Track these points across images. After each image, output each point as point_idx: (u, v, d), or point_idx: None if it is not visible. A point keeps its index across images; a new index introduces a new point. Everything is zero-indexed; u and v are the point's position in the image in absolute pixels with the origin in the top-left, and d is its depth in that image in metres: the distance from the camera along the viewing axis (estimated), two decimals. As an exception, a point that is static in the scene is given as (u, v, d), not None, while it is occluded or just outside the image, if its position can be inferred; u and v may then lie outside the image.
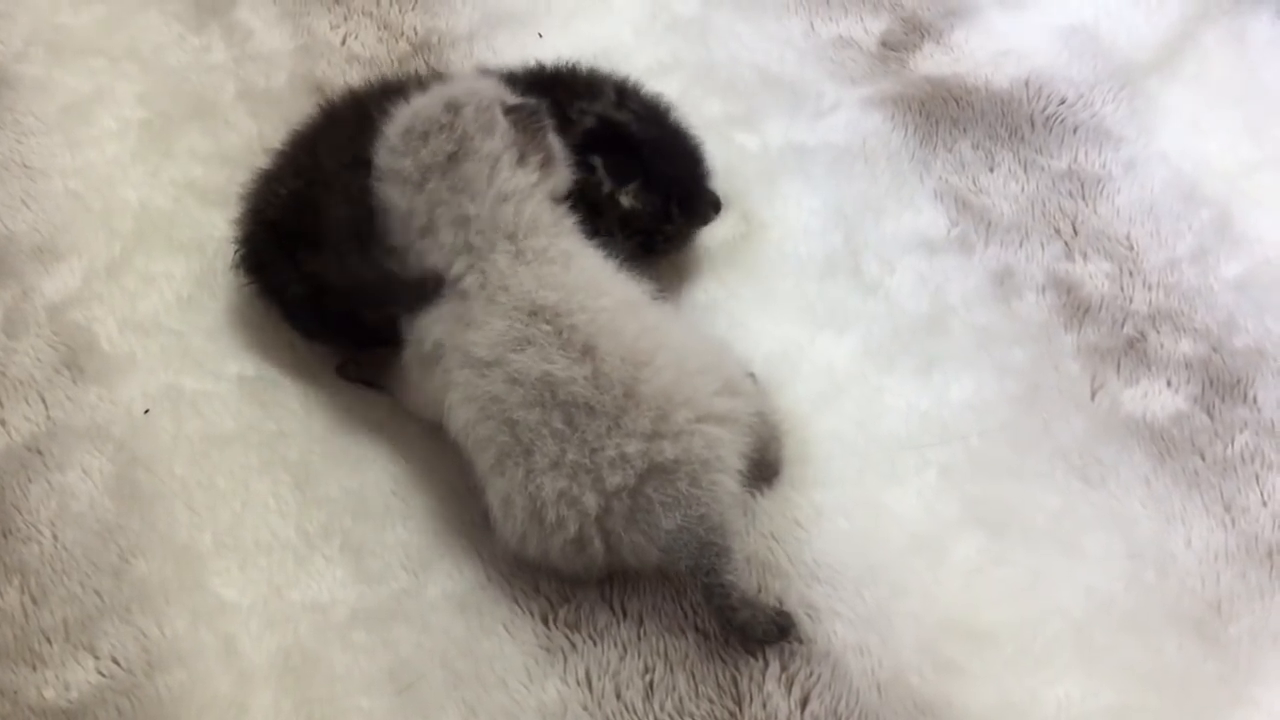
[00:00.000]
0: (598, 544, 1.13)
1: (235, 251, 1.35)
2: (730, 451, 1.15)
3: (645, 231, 1.37)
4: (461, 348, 1.17)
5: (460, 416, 1.17)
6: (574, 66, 1.40)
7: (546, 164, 1.24)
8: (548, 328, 1.15)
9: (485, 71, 1.40)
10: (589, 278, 1.20)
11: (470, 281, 1.18)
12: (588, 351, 1.14)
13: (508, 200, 1.20)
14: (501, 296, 1.17)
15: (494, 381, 1.14)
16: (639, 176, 1.35)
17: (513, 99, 1.25)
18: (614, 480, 1.11)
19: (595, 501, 1.11)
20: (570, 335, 1.14)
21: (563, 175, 1.26)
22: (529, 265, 1.18)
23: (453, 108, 1.22)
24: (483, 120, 1.22)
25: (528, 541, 1.14)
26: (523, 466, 1.13)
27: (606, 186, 1.34)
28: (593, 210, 1.31)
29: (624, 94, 1.38)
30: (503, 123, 1.22)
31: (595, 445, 1.11)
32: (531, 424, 1.12)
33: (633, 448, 1.11)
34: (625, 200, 1.35)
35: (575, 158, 1.28)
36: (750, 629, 1.13)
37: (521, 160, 1.22)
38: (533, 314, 1.15)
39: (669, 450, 1.11)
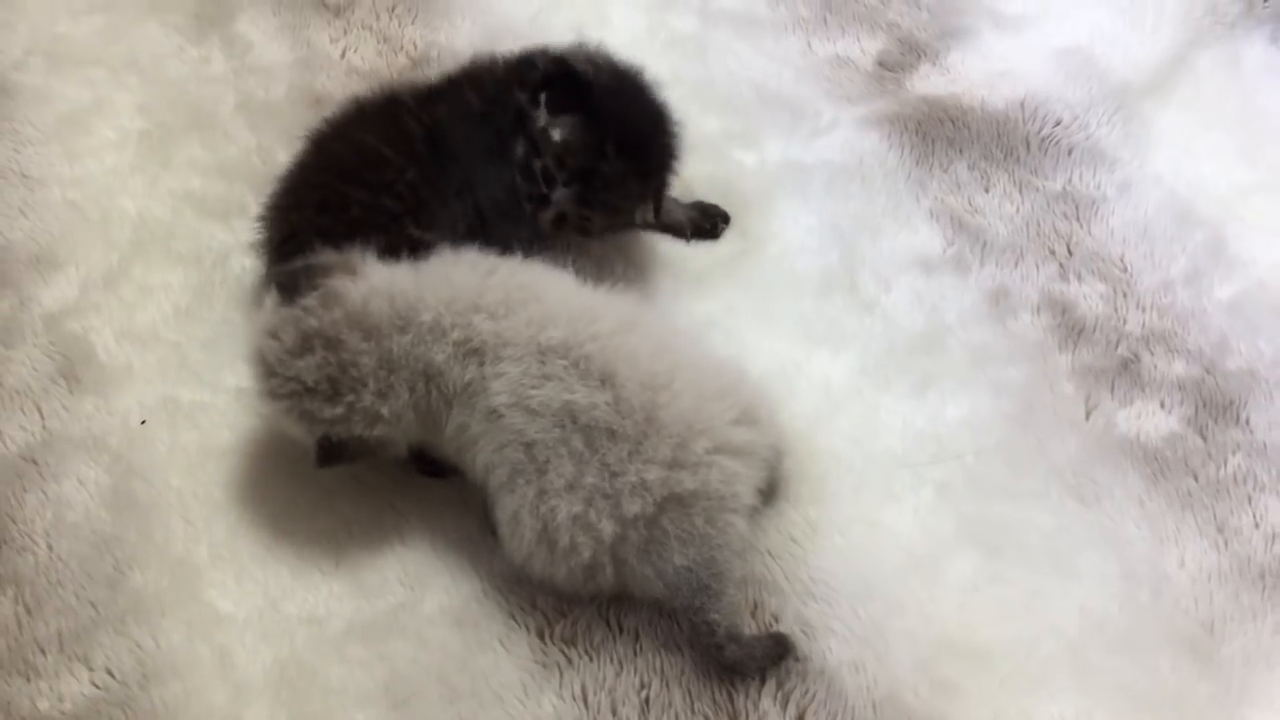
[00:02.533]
0: (609, 572, 1.13)
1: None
2: (746, 488, 1.15)
3: (582, 175, 1.33)
4: (482, 409, 1.15)
5: (480, 460, 1.16)
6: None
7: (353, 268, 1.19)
8: (563, 362, 1.14)
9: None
10: (580, 305, 1.19)
11: (471, 372, 1.16)
12: (607, 379, 1.13)
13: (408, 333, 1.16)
14: (506, 351, 1.15)
15: (515, 415, 1.13)
16: (580, 114, 1.33)
17: (276, 280, 1.19)
18: (633, 508, 1.10)
19: (612, 529, 1.11)
20: (587, 365, 1.14)
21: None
22: (514, 315, 1.17)
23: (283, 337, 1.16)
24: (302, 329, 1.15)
25: (534, 562, 1.14)
26: (535, 485, 1.12)
27: (542, 119, 1.33)
28: (533, 148, 1.32)
29: (594, 56, 1.37)
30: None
31: (616, 470, 1.11)
32: (550, 443, 1.12)
33: (653, 475, 1.11)
34: (556, 133, 1.32)
35: (528, 97, 1.32)
36: (740, 666, 1.14)
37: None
38: (543, 354, 1.15)
39: (688, 481, 1.11)
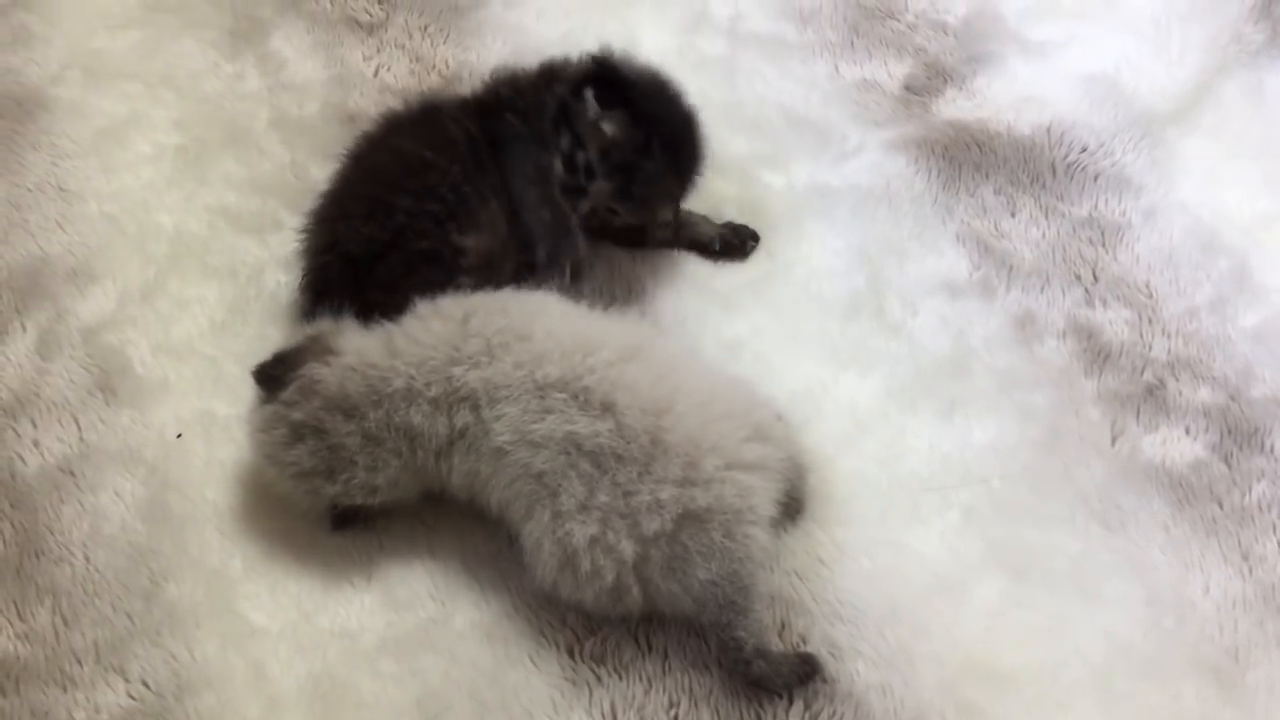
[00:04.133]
0: (636, 593, 1.14)
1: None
2: (763, 500, 1.16)
3: (624, 168, 1.39)
4: (482, 454, 1.18)
5: (494, 497, 1.19)
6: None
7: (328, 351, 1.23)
8: (562, 395, 1.16)
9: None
10: (573, 339, 1.19)
11: (462, 419, 1.18)
12: (608, 408, 1.15)
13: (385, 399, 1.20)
14: (501, 393, 1.17)
15: (519, 451, 1.15)
16: (626, 109, 1.39)
17: (255, 376, 1.24)
18: (652, 526, 1.12)
19: (633, 549, 1.12)
20: (587, 397, 1.16)
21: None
22: (499, 360, 1.18)
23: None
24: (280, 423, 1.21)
25: (561, 588, 1.15)
26: (549, 509, 1.14)
27: (592, 112, 1.38)
28: (577, 141, 1.37)
29: (627, 58, 1.43)
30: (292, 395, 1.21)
31: (629, 489, 1.12)
32: (558, 469, 1.14)
33: (667, 493, 1.12)
34: (608, 127, 1.38)
35: (570, 92, 1.38)
36: (766, 682, 1.15)
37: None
38: (542, 390, 1.16)
39: (701, 498, 1.12)
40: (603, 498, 1.12)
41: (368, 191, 1.36)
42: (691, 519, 1.13)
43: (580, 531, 1.12)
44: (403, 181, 1.34)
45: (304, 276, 1.38)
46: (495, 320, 1.22)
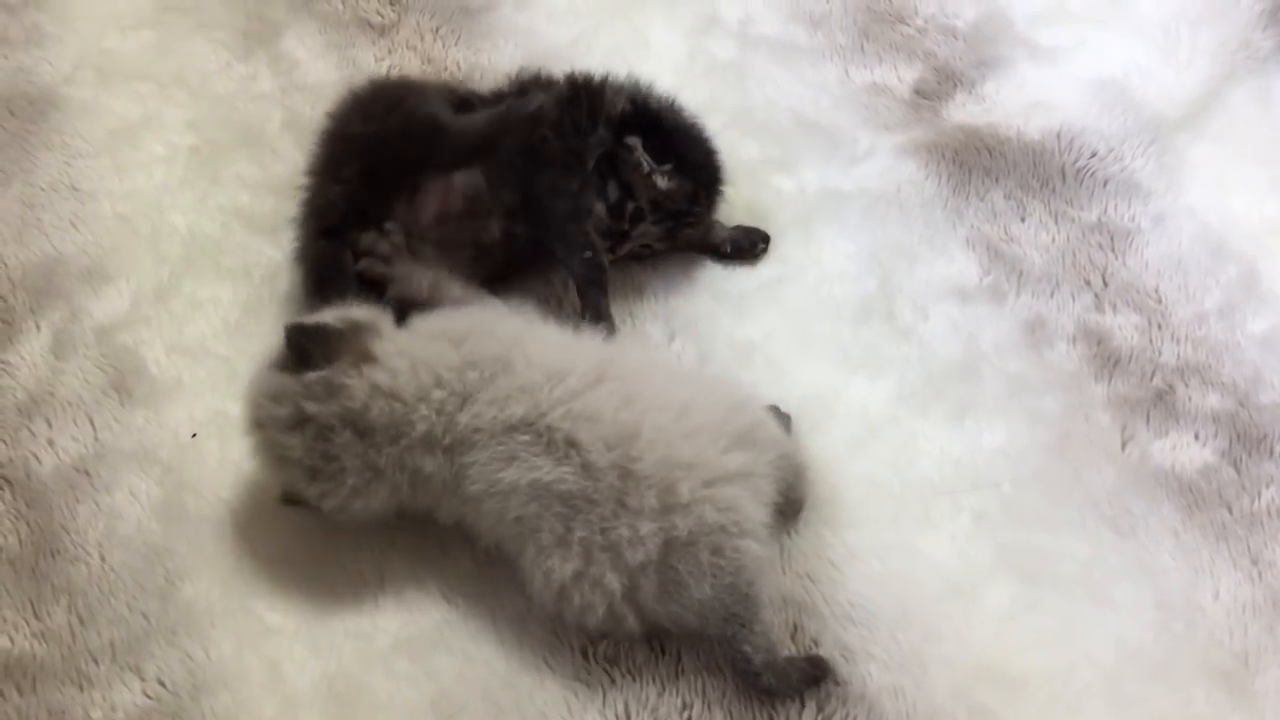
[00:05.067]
0: (632, 620, 1.14)
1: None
2: (750, 509, 1.15)
3: (674, 214, 1.44)
4: (458, 492, 1.18)
5: (484, 540, 1.20)
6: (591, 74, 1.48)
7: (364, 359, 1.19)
8: (525, 438, 1.15)
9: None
10: (544, 368, 1.18)
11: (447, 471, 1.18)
12: (572, 446, 1.14)
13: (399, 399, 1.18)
14: (475, 437, 1.16)
15: (490, 502, 1.16)
16: (672, 160, 1.42)
17: (287, 336, 1.20)
18: (636, 557, 1.12)
19: (619, 581, 1.12)
20: (550, 437, 1.14)
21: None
22: (481, 392, 1.17)
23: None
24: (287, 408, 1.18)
25: (563, 618, 1.16)
26: (532, 545, 1.14)
27: (645, 167, 1.41)
28: (626, 190, 1.41)
29: (639, 90, 1.47)
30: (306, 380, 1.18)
31: (605, 526, 1.12)
32: (531, 514, 1.14)
33: (646, 527, 1.11)
34: (661, 181, 1.41)
35: (611, 138, 1.41)
36: (776, 692, 1.15)
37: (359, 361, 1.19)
38: (507, 433, 1.15)
39: (682, 524, 1.12)
40: (580, 533, 1.12)
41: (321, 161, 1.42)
42: (677, 544, 1.12)
43: (563, 567, 1.12)
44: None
45: (301, 265, 1.42)
46: (488, 345, 1.20)
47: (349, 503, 1.19)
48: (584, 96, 1.44)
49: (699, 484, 1.13)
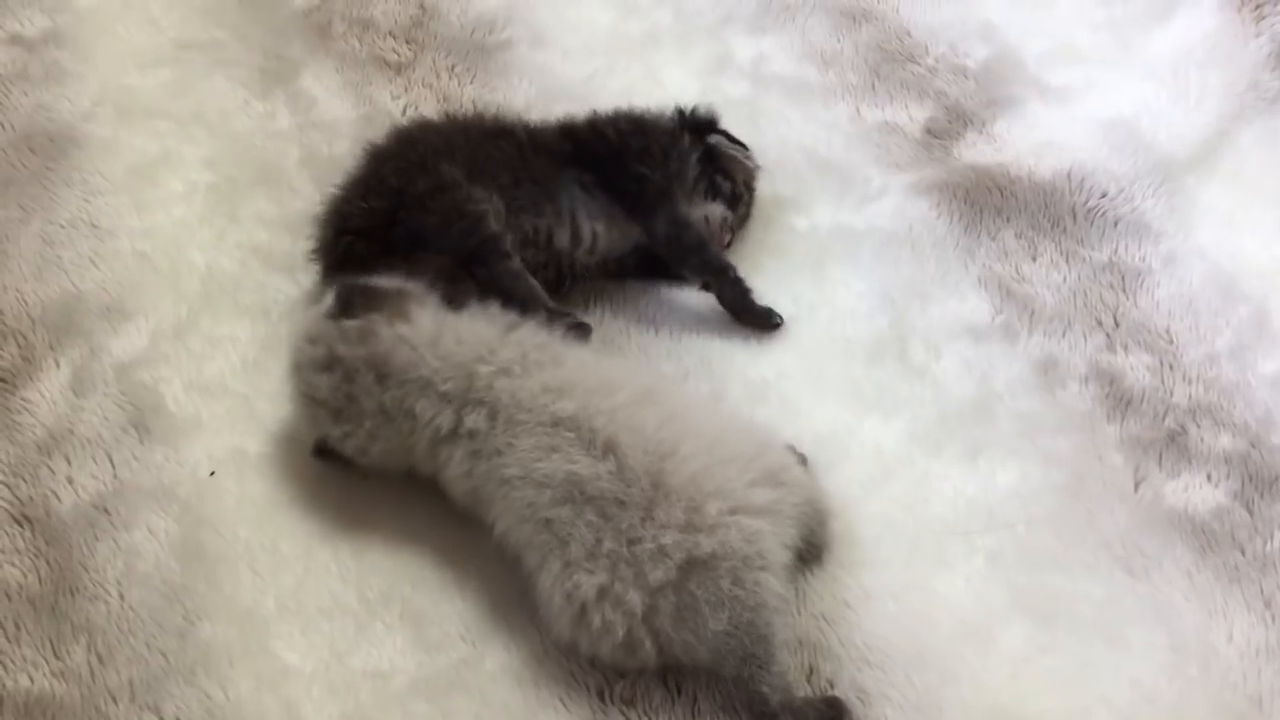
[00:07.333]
0: (649, 646, 1.15)
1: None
2: (772, 545, 1.16)
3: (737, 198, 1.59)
4: (489, 473, 1.21)
5: (500, 526, 1.21)
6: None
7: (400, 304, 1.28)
8: (570, 434, 1.18)
9: None
10: (598, 377, 1.23)
11: (474, 421, 1.22)
12: (610, 448, 1.17)
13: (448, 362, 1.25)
14: (520, 416, 1.20)
15: (525, 489, 1.18)
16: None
17: (336, 289, 1.31)
18: (656, 575, 1.12)
19: (640, 599, 1.13)
20: (593, 438, 1.18)
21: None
22: (530, 376, 1.23)
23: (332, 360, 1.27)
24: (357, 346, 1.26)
25: (578, 645, 1.17)
26: (559, 558, 1.15)
27: (736, 151, 1.59)
28: (731, 180, 1.58)
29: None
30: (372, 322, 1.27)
31: (632, 536, 1.13)
32: (565, 518, 1.15)
33: (669, 539, 1.13)
34: (752, 161, 1.62)
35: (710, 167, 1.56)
36: None
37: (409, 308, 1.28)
38: (554, 425, 1.19)
39: (705, 544, 1.13)
40: (609, 544, 1.13)
41: (364, 174, 1.46)
42: (697, 565, 1.13)
43: (588, 581, 1.13)
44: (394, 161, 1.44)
45: (319, 258, 1.46)
46: (537, 336, 1.27)
47: (368, 445, 1.27)
48: (654, 127, 1.54)
49: (726, 508, 1.15)
